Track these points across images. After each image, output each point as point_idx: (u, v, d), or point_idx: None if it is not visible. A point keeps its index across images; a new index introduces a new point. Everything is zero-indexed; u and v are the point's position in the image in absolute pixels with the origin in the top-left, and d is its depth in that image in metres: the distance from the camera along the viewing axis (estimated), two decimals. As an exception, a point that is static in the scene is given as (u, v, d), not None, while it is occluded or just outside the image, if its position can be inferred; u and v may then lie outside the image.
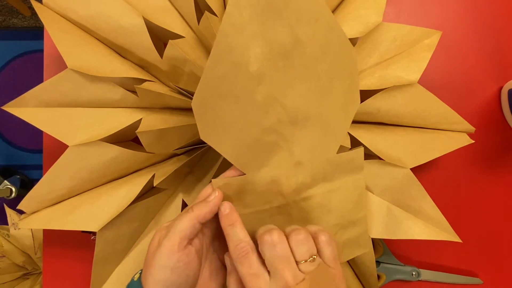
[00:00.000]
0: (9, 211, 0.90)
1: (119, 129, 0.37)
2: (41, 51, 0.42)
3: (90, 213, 0.38)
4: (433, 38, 0.40)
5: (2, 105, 0.37)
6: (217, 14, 0.37)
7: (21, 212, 0.93)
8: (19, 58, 1.31)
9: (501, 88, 0.49)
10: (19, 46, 1.31)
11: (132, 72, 0.37)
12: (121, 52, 0.39)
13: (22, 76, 1.31)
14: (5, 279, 0.87)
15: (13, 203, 1.06)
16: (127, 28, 0.37)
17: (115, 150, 0.37)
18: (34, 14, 1.31)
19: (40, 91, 0.37)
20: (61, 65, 0.41)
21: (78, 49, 0.37)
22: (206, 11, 0.36)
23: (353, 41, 0.39)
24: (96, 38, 0.38)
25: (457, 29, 0.49)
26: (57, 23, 0.37)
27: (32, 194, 0.38)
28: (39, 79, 0.39)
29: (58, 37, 0.36)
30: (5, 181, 1.18)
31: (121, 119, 0.38)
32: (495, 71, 0.49)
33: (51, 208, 0.39)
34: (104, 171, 0.38)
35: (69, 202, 0.39)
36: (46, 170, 0.38)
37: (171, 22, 0.38)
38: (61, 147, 0.37)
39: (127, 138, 0.42)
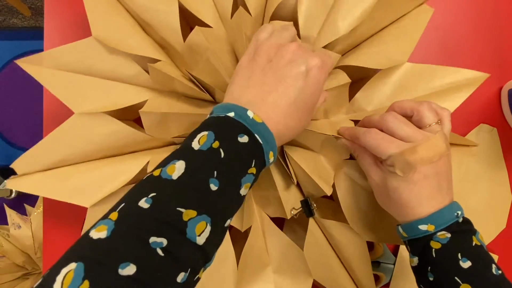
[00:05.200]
0: (9, 211, 0.90)
1: (125, 105, 0.37)
2: (41, 51, 0.41)
3: (82, 186, 0.38)
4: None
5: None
6: (251, 14, 0.37)
7: (21, 212, 0.93)
8: (19, 58, 1.31)
9: (501, 88, 0.49)
10: (19, 46, 1.31)
11: (150, 51, 0.37)
12: (145, 27, 0.38)
13: (22, 76, 1.30)
14: (5, 279, 0.87)
15: (13, 203, 1.06)
16: (160, 8, 0.36)
17: (117, 125, 0.37)
18: (34, 14, 1.31)
19: (58, 53, 0.37)
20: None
21: (105, 18, 0.37)
22: (240, 7, 0.36)
23: (373, 72, 0.40)
24: (126, 9, 0.38)
25: (457, 29, 0.49)
26: None
27: (28, 155, 0.38)
28: (39, 79, 0.39)
29: (90, 2, 0.37)
30: (5, 181, 1.18)
31: (129, 96, 0.38)
32: (495, 71, 0.49)
33: (42, 174, 0.38)
34: (101, 144, 0.38)
35: (62, 170, 0.39)
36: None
37: (204, 11, 0.38)
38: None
39: (130, 117, 0.42)
